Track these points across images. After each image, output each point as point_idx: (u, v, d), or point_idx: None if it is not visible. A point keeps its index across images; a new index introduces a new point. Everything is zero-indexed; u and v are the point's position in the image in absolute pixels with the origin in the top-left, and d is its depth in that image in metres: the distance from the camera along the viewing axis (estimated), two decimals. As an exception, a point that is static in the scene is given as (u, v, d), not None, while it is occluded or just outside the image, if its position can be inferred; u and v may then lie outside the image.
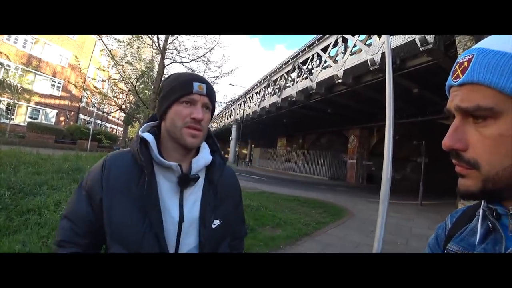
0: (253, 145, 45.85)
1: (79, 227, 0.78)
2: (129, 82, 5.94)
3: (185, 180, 0.79)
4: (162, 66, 5.91)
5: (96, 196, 0.77)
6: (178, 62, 6.50)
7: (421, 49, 8.75)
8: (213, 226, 0.83)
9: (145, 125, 0.88)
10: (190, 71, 6.72)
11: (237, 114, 32.97)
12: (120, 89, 6.38)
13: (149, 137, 0.80)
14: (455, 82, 0.45)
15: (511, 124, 0.39)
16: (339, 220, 6.98)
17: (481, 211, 0.50)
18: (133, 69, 6.34)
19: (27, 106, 21.93)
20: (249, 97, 30.28)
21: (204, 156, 0.86)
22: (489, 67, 0.40)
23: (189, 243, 0.79)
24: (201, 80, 0.82)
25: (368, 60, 10.83)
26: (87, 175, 0.82)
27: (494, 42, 0.42)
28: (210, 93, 0.82)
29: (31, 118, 22.32)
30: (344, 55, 12.94)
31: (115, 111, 7.04)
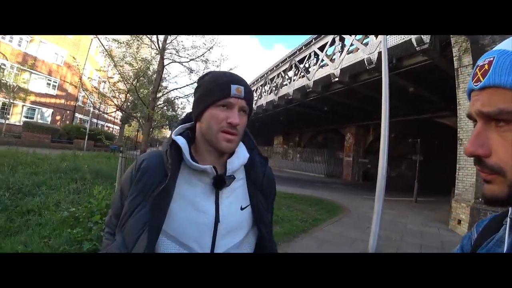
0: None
1: (114, 218, 0.83)
2: (129, 82, 5.97)
3: (220, 181, 0.78)
4: (161, 66, 5.94)
5: (126, 194, 0.80)
6: (177, 61, 6.53)
7: (417, 48, 8.83)
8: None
9: (179, 127, 0.86)
10: (188, 71, 6.76)
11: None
12: (119, 89, 6.40)
13: (181, 140, 0.79)
14: (475, 86, 0.43)
15: None
16: (336, 216, 7.09)
17: (508, 220, 0.48)
18: (132, 69, 6.36)
19: (23, 105, 21.68)
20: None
21: (240, 156, 0.84)
22: (510, 69, 0.39)
23: (224, 244, 0.77)
24: (240, 82, 0.79)
25: (365, 59, 10.89)
26: (124, 174, 0.85)
27: None
28: (248, 96, 0.79)
29: (26, 117, 22.06)
30: (341, 54, 12.99)
31: (115, 111, 7.05)
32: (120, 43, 6.13)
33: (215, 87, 0.77)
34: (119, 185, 0.86)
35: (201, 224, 0.76)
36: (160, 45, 5.87)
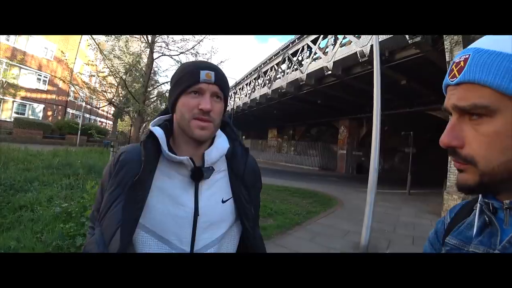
0: (244, 137, 45.80)
1: (96, 213, 0.81)
2: (118, 76, 5.90)
3: (197, 173, 0.76)
4: (151, 59, 5.88)
5: (105, 187, 0.79)
6: (166, 55, 6.45)
7: (409, 41, 8.87)
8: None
9: (157, 118, 0.85)
10: (179, 64, 6.69)
11: (228, 105, 32.79)
12: (109, 83, 6.32)
13: (158, 131, 0.77)
14: (452, 81, 0.46)
15: (506, 121, 0.41)
16: (329, 209, 7.15)
17: (478, 205, 0.52)
18: (122, 63, 6.28)
19: (13, 101, 21.34)
20: (240, 89, 30.11)
21: (219, 146, 0.82)
22: (484, 66, 0.41)
23: (205, 238, 0.76)
24: (209, 67, 0.77)
25: (358, 52, 10.89)
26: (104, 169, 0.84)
27: (489, 42, 0.44)
28: (220, 81, 0.77)
29: (17, 113, 21.73)
30: (334, 47, 12.97)
31: (105, 106, 6.98)
32: (109, 35, 6.03)
33: (184, 75, 0.76)
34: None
35: (180, 218, 0.74)
36: (150, 39, 5.79)
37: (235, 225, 0.83)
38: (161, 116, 0.86)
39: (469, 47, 0.46)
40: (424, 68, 10.54)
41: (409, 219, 6.67)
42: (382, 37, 9.03)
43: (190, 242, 0.74)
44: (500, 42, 0.42)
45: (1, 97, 18.85)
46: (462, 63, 0.45)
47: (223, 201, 0.81)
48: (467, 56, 0.44)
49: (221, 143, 0.84)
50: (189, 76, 0.75)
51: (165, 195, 0.75)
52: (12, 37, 20.85)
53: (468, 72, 0.43)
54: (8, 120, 20.43)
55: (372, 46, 9.82)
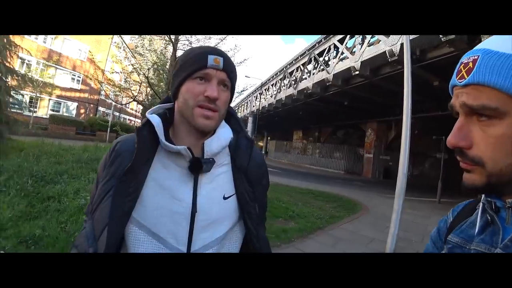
0: (269, 138, 45.87)
1: (91, 205, 0.77)
2: (141, 73, 6.03)
3: (197, 165, 0.69)
4: (174, 57, 5.95)
5: (100, 178, 0.73)
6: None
7: (442, 39, 8.40)
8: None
9: (157, 106, 0.79)
10: None
11: (253, 106, 32.95)
12: (134, 80, 6.49)
13: (155, 119, 0.71)
14: (460, 82, 0.45)
15: None
16: (353, 214, 6.91)
17: (481, 205, 0.52)
18: (144, 59, 6.41)
19: (49, 99, 22.80)
20: (265, 89, 30.15)
21: (220, 137, 0.75)
22: (494, 68, 0.41)
23: (204, 238, 0.69)
24: (218, 52, 0.72)
25: (387, 51, 10.49)
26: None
27: (498, 43, 0.43)
28: (229, 68, 0.71)
29: (53, 110, 23.24)
30: (361, 46, 12.60)
31: (130, 102, 7.17)
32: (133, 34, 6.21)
33: (191, 59, 0.70)
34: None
35: (176, 214, 0.67)
36: (173, 37, 5.86)
37: (238, 225, 0.76)
38: (161, 105, 0.79)
39: (477, 47, 0.45)
40: (458, 68, 9.95)
41: (439, 229, 6.27)
42: (413, 35, 8.62)
43: (187, 242, 0.67)
44: (510, 43, 0.41)
45: (38, 95, 20.10)
46: (470, 64, 0.44)
47: (224, 198, 0.74)
48: (476, 57, 0.44)
49: (224, 133, 0.77)
50: (195, 60, 0.69)
51: (161, 188, 0.69)
52: (48, 39, 22.28)
53: (477, 73, 0.42)
54: (45, 117, 21.82)
55: (402, 45, 9.43)
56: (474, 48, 0.46)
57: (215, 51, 0.72)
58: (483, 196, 0.52)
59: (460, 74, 0.45)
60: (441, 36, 8.29)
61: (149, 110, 0.77)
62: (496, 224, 0.47)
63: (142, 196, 0.67)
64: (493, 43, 0.44)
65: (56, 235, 2.98)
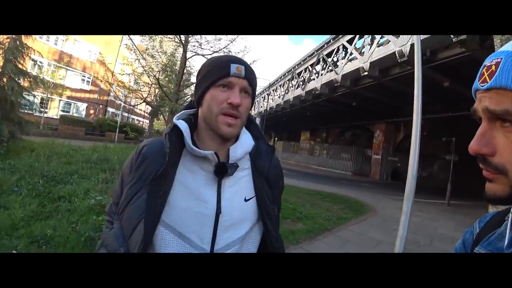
0: (276, 138, 45.80)
1: (114, 205, 0.81)
2: (151, 75, 6.09)
3: (222, 169, 0.73)
4: (184, 59, 6.00)
5: (126, 180, 0.77)
6: (200, 54, 6.56)
7: (453, 39, 8.27)
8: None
9: (181, 112, 0.83)
10: None
11: (261, 107, 32.95)
12: (144, 82, 6.56)
13: (182, 124, 0.75)
14: (482, 86, 0.43)
15: None
16: (361, 216, 6.85)
17: (510, 216, 0.49)
18: (155, 61, 6.48)
19: (60, 100, 23.18)
20: (273, 90, 30.12)
21: (243, 144, 0.79)
22: None
23: (227, 238, 0.73)
24: (240, 61, 0.75)
25: (396, 52, 10.39)
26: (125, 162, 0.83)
27: None
28: (250, 76, 0.75)
29: (63, 111, 23.61)
30: (370, 47, 12.51)
31: (140, 103, 7.26)
32: (144, 36, 6.27)
33: (214, 68, 0.74)
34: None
35: (201, 215, 0.71)
36: (183, 39, 5.90)
37: (257, 226, 0.80)
38: (186, 111, 0.84)
39: (500, 49, 0.43)
40: (469, 68, 9.74)
41: (447, 232, 6.17)
42: (424, 35, 8.51)
43: (211, 241, 0.72)
44: None
45: (49, 96, 20.46)
46: (493, 67, 0.42)
47: (245, 200, 0.78)
48: (499, 60, 0.41)
49: (246, 140, 0.82)
50: (219, 69, 0.73)
51: (187, 191, 0.73)
52: (59, 41, 22.67)
53: (500, 77, 0.40)
54: (55, 117, 22.19)
55: (411, 45, 9.33)
56: (498, 51, 0.44)
57: (237, 60, 0.75)
58: None
59: (483, 78, 0.44)
60: (452, 36, 8.16)
61: (175, 116, 0.80)
62: None
63: (170, 198, 0.71)
64: None
65: (67, 235, 3.01)
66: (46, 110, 21.76)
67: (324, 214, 6.35)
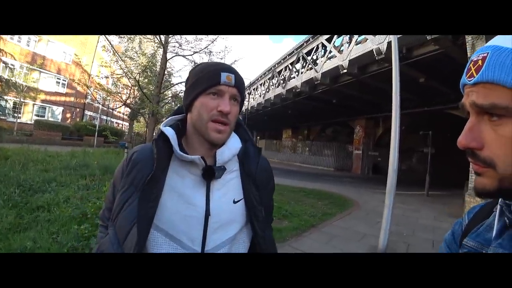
0: (258, 137, 45.84)
1: (106, 211, 0.83)
2: (131, 77, 5.95)
3: (210, 172, 0.76)
4: (164, 59, 5.89)
5: (117, 186, 0.79)
6: (180, 55, 6.46)
7: (428, 37, 8.57)
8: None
9: (168, 118, 0.85)
10: (192, 64, 6.72)
11: (242, 106, 32.84)
12: (123, 84, 6.40)
13: (169, 131, 0.77)
14: (469, 81, 0.44)
15: None
16: (346, 211, 6.99)
17: (498, 207, 0.50)
18: (135, 63, 6.34)
19: (33, 104, 22.18)
20: (254, 89, 30.09)
21: (231, 147, 0.82)
22: (504, 66, 0.39)
23: (216, 239, 0.75)
24: (230, 70, 0.78)
25: (374, 50, 10.63)
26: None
27: (508, 40, 0.41)
28: (239, 84, 0.78)
29: (37, 115, 22.59)
30: (349, 45, 12.73)
31: (120, 107, 7.08)
32: (122, 37, 6.10)
33: (204, 75, 0.76)
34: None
35: (191, 217, 0.73)
36: (163, 39, 5.80)
37: (245, 227, 0.82)
38: (173, 117, 0.86)
39: (487, 44, 0.44)
40: (443, 64, 10.16)
41: (428, 222, 6.42)
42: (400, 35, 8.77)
43: (201, 242, 0.74)
44: None
45: (22, 100, 19.54)
46: (480, 62, 0.43)
47: (234, 202, 0.80)
48: (485, 55, 0.42)
49: (234, 143, 0.84)
50: (209, 77, 0.75)
51: (177, 194, 0.75)
52: (32, 42, 21.65)
53: (487, 71, 0.41)
54: (29, 122, 21.23)
55: (388, 43, 9.60)
56: (484, 45, 0.44)
57: (228, 69, 0.78)
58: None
59: (470, 73, 0.44)
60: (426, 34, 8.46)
61: (162, 123, 0.83)
62: None
63: (161, 202, 0.73)
64: (503, 39, 0.42)
65: (48, 246, 2.89)
66: (19, 115, 20.77)
67: (309, 210, 6.43)
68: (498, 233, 0.47)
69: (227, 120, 0.75)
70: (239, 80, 0.78)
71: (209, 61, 6.58)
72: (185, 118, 0.83)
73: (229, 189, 0.80)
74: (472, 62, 0.44)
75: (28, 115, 22.16)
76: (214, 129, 0.74)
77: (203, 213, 0.74)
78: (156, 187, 0.72)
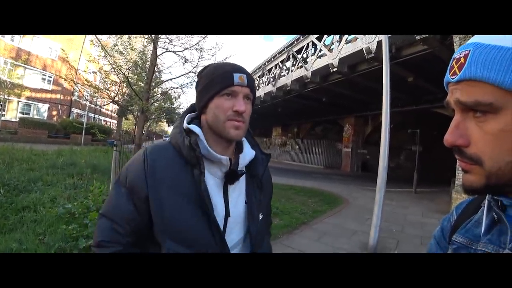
0: (248, 136, 45.82)
1: (120, 226, 0.75)
2: (120, 73, 5.83)
3: (232, 175, 0.78)
4: (154, 55, 5.81)
5: (140, 193, 0.73)
6: (171, 51, 6.37)
7: (417, 37, 8.70)
8: (259, 220, 0.85)
9: (187, 116, 0.85)
10: (183, 60, 6.64)
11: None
12: (112, 81, 6.26)
13: (196, 129, 0.79)
14: (452, 78, 0.44)
15: (511, 118, 0.39)
16: (336, 208, 7.07)
17: (486, 202, 0.50)
18: (124, 59, 6.21)
19: (18, 101, 21.46)
20: (244, 87, 29.98)
21: (249, 152, 0.85)
22: (486, 62, 0.39)
23: (232, 239, 0.78)
24: (242, 70, 0.79)
25: (364, 49, 10.73)
26: (125, 171, 0.78)
27: (489, 37, 0.41)
28: (251, 84, 0.80)
29: (22, 113, 21.86)
30: (339, 44, 12.82)
31: (108, 104, 6.93)
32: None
33: (218, 77, 0.77)
34: (121, 185, 0.77)
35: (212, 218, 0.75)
36: (153, 35, 5.70)
37: (250, 228, 0.85)
38: (189, 114, 0.86)
39: (468, 41, 0.44)
40: (432, 64, 10.35)
41: (417, 219, 6.56)
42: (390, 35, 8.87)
43: (220, 243, 0.75)
44: (500, 36, 0.40)
45: (6, 97, 18.92)
46: (462, 59, 0.43)
47: (245, 203, 0.83)
48: (467, 52, 0.42)
49: (248, 148, 0.88)
50: (222, 78, 0.77)
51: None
52: (16, 37, 20.97)
53: (469, 69, 0.41)
54: (14, 120, 20.57)
55: (378, 42, 9.70)
56: (466, 43, 0.44)
57: (240, 69, 0.79)
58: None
59: (453, 70, 0.44)
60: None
61: (183, 120, 0.83)
62: (503, 223, 0.45)
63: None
64: (484, 36, 0.42)
65: (34, 248, 2.80)
66: (3, 113, 20.11)
67: (300, 208, 6.47)
68: (487, 229, 0.48)
69: (243, 118, 0.77)
70: (250, 79, 0.80)
71: (210, 61, 6.60)
72: (198, 118, 0.84)
73: (240, 191, 0.83)
74: (455, 60, 0.44)
75: (12, 113, 21.45)
76: (232, 126, 0.76)
77: (223, 214, 0.76)
78: (201, 188, 0.73)
